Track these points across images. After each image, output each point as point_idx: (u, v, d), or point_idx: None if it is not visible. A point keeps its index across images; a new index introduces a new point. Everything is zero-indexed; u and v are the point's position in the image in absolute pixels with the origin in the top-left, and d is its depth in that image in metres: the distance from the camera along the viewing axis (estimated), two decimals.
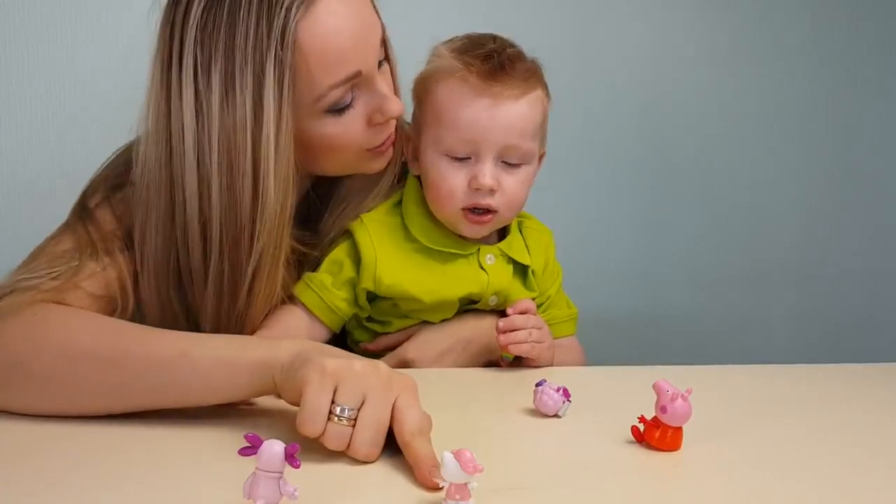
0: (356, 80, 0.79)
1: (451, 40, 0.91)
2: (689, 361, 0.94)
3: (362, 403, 0.58)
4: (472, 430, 0.67)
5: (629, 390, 0.79)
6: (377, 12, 0.83)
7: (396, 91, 0.87)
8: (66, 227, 0.81)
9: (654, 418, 0.63)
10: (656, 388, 0.62)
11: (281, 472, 0.47)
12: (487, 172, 0.86)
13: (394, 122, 0.86)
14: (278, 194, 0.76)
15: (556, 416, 0.70)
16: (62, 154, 1.25)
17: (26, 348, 0.67)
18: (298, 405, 0.58)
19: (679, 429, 0.62)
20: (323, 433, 0.57)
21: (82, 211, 0.82)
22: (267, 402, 0.71)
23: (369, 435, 0.58)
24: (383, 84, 0.82)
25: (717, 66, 1.57)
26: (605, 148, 1.53)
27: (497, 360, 0.91)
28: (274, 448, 0.47)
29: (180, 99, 0.74)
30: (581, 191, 1.51)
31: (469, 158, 0.87)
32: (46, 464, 0.57)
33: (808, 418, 0.73)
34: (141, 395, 0.66)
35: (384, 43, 0.84)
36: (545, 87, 0.91)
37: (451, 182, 0.87)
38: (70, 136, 1.25)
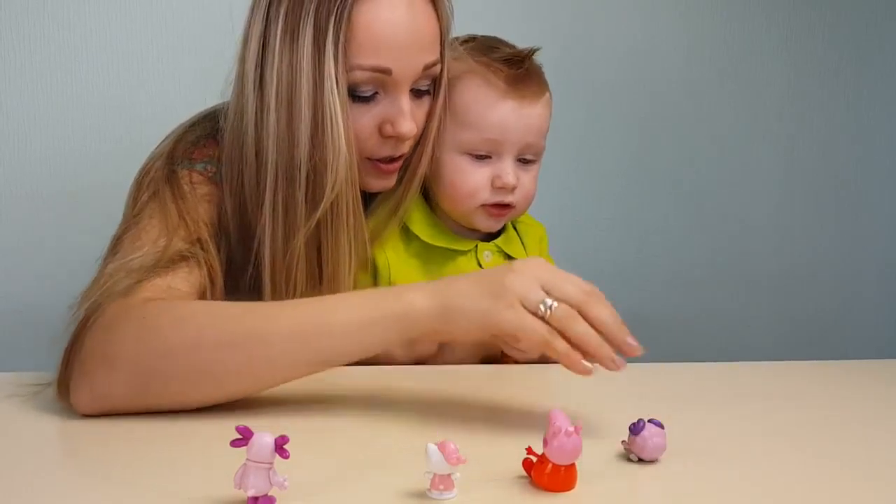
0: (383, 78, 0.81)
1: (456, 39, 0.91)
2: (670, 359, 0.96)
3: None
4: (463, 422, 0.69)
5: (612, 390, 0.81)
6: (442, 48, 0.85)
7: (428, 134, 0.88)
8: (147, 206, 0.81)
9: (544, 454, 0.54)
10: (548, 417, 0.54)
11: (271, 463, 0.48)
12: (510, 171, 0.89)
13: (403, 147, 0.86)
14: (350, 145, 0.79)
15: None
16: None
17: (156, 354, 0.65)
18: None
19: (570, 466, 0.54)
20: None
21: (168, 187, 0.82)
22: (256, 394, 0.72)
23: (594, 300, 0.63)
24: (408, 102, 0.83)
25: (700, 74, 1.59)
26: (590, 150, 1.55)
27: (494, 356, 0.92)
28: (264, 439, 0.48)
29: (251, 28, 0.81)
30: (566, 191, 1.52)
31: (489, 157, 0.90)
32: (34, 458, 0.58)
33: (784, 413, 0.75)
34: (283, 370, 0.67)
35: (437, 79, 0.86)
36: (549, 88, 0.95)
37: (474, 180, 0.89)
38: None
